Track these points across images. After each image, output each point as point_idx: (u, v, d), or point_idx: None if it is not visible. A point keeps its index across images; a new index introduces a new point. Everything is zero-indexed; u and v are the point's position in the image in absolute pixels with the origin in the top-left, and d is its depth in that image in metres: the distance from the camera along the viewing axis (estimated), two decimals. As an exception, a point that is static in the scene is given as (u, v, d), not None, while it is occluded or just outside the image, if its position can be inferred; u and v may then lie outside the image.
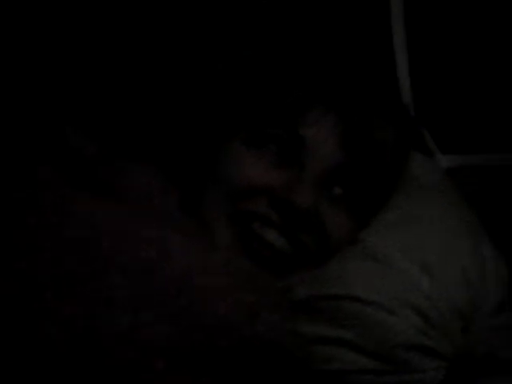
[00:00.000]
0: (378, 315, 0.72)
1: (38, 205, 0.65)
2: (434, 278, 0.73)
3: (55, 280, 0.60)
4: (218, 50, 0.89)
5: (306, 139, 0.75)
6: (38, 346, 0.57)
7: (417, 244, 0.76)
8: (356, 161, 0.76)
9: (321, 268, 0.75)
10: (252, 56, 0.87)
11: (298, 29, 0.94)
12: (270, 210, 0.73)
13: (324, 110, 0.76)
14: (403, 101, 0.95)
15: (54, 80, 0.85)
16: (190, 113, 0.84)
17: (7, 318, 0.58)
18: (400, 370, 0.72)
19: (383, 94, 0.84)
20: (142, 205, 0.73)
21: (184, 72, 0.89)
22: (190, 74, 0.89)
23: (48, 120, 0.76)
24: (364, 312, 0.72)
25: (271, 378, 0.65)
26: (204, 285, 0.65)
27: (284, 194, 0.72)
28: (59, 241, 0.63)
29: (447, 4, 1.02)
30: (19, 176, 0.68)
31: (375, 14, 0.96)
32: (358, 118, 0.77)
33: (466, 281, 0.74)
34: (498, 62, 1.00)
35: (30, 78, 0.85)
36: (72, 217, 0.66)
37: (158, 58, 0.91)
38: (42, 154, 0.71)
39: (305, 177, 0.74)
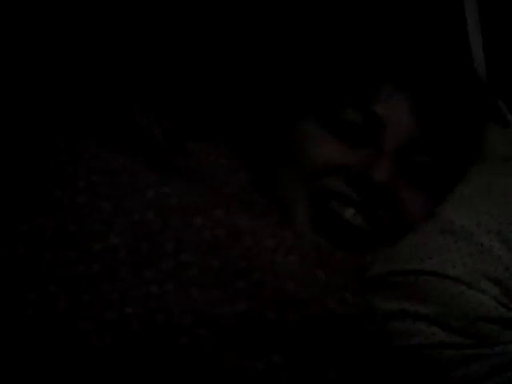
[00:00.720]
0: (457, 289, 0.71)
1: (113, 188, 0.67)
2: None
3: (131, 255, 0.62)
4: (286, 29, 0.89)
5: (381, 117, 0.75)
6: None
7: (494, 215, 0.75)
8: (431, 136, 0.76)
9: (397, 243, 0.75)
10: (322, 34, 0.86)
11: (367, 4, 0.93)
12: (348, 187, 0.74)
13: (396, 85, 0.76)
14: (478, 72, 0.93)
15: (122, 63, 0.87)
16: (261, 91, 0.85)
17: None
18: (480, 343, 0.71)
19: (456, 66, 0.83)
20: (209, 184, 0.75)
21: (253, 51, 0.89)
22: (260, 52, 0.89)
23: (116, 100, 0.78)
24: (442, 286, 0.71)
25: (345, 355, 0.65)
26: (273, 262, 0.66)
27: (361, 171, 0.73)
28: (131, 224, 0.66)
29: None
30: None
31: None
32: (430, 92, 0.76)
33: None
34: None
35: (100, 59, 0.87)
36: (141, 198, 0.68)
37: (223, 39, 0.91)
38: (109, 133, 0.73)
39: (381, 154, 0.74)
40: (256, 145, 0.81)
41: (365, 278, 0.73)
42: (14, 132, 0.83)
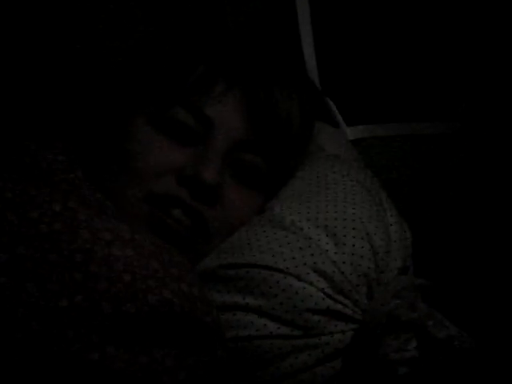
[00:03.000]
0: (286, 281, 0.73)
1: None
2: (340, 244, 0.75)
3: None
4: (119, 26, 0.89)
5: (211, 117, 0.76)
6: None
7: (322, 212, 0.78)
8: (261, 135, 0.78)
9: (229, 238, 0.77)
10: (153, 33, 0.86)
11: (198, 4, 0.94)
12: (180, 188, 0.75)
13: (227, 85, 0.77)
14: (309, 75, 0.98)
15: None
16: (91, 89, 0.85)
17: None
18: (308, 334, 0.73)
19: (288, 67, 0.85)
20: (47, 181, 0.74)
21: (82, 48, 0.89)
22: (89, 50, 0.89)
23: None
24: (272, 279, 0.73)
25: (181, 344, 0.66)
26: (110, 255, 0.67)
27: (192, 171, 0.74)
28: None
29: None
30: None
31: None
32: (261, 92, 0.78)
33: (370, 246, 0.76)
34: (398, 37, 1.04)
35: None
36: None
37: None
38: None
39: (211, 154, 0.75)
40: (89, 142, 0.81)
41: (198, 272, 0.73)
42: None
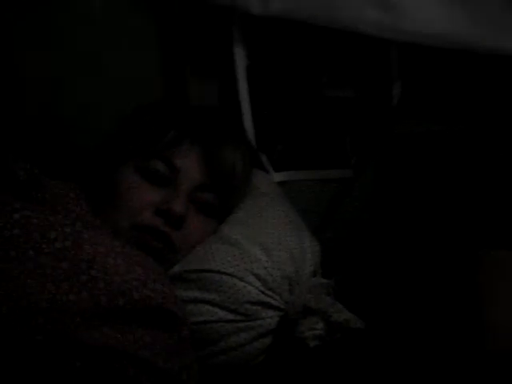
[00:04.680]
0: (232, 281, 0.92)
1: None
2: (270, 255, 0.95)
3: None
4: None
5: (179, 167, 0.96)
6: None
7: (258, 233, 0.98)
8: (215, 180, 0.97)
9: (191, 252, 0.96)
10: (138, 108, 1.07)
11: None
12: (157, 218, 0.93)
13: (190, 144, 0.97)
14: (248, 135, 1.18)
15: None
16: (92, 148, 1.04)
17: None
18: (247, 319, 0.93)
19: (232, 131, 1.06)
20: (60, 209, 0.93)
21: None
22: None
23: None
24: (222, 280, 0.92)
25: (157, 327, 0.83)
26: (106, 263, 0.84)
27: (165, 206, 0.93)
28: (2, 238, 0.82)
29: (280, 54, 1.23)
30: None
31: (223, 67, 1.20)
32: (214, 149, 0.98)
33: (291, 257, 0.96)
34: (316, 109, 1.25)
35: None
36: (10, 219, 0.85)
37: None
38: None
39: (178, 193, 0.95)
40: (92, 184, 0.98)
41: (170, 276, 0.92)
42: None
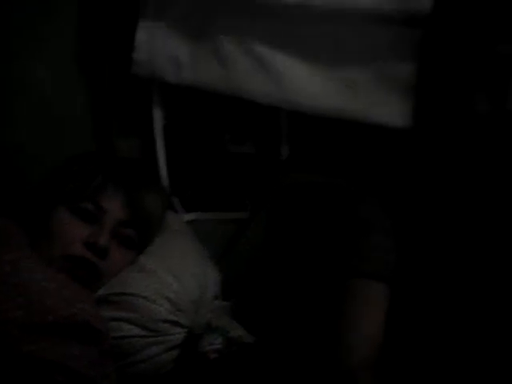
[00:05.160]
0: (146, 303, 1.04)
1: None
2: (179, 282, 1.08)
3: None
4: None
5: (105, 208, 1.08)
6: None
7: (170, 263, 1.11)
8: (134, 218, 1.09)
9: (114, 278, 1.07)
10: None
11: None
12: (86, 250, 1.05)
13: (115, 189, 1.10)
14: (163, 182, 1.31)
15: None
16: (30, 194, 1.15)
17: None
18: (158, 334, 1.05)
19: (150, 178, 1.19)
20: (6, 244, 1.04)
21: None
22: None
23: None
24: (138, 302, 1.04)
25: (83, 341, 0.95)
26: (40, 287, 0.96)
27: (92, 239, 1.05)
28: None
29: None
30: None
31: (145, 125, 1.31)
32: (135, 192, 1.10)
33: (197, 284, 1.10)
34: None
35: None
36: None
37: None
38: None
39: (103, 229, 1.06)
40: (30, 220, 1.08)
41: (95, 297, 1.04)
42: None
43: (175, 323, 1.06)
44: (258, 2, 1.13)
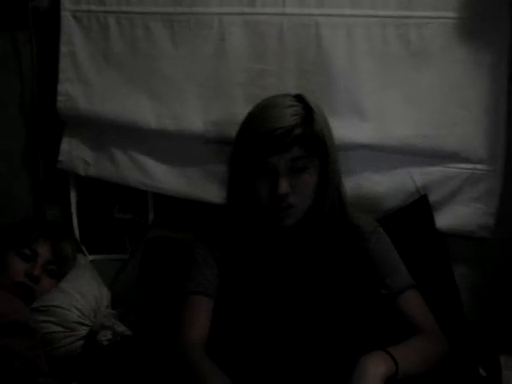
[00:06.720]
0: (63, 311, 1.51)
1: None
2: (84, 297, 1.56)
3: None
4: None
5: (37, 251, 1.56)
6: None
7: (79, 285, 1.60)
8: (57, 258, 1.58)
9: (44, 296, 1.54)
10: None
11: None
12: (27, 279, 1.52)
13: (44, 240, 1.59)
14: (75, 235, 1.80)
15: None
16: None
17: None
18: (70, 331, 1.50)
19: (68, 232, 1.70)
20: None
21: None
22: None
23: None
24: (57, 310, 1.50)
25: (23, 336, 1.34)
26: None
27: (30, 271, 1.53)
28: None
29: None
30: None
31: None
32: (57, 242, 1.60)
33: (95, 298, 1.58)
34: None
35: None
36: None
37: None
38: None
39: (37, 265, 1.55)
40: None
41: (32, 308, 1.50)
42: None
43: (81, 323, 1.55)
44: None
